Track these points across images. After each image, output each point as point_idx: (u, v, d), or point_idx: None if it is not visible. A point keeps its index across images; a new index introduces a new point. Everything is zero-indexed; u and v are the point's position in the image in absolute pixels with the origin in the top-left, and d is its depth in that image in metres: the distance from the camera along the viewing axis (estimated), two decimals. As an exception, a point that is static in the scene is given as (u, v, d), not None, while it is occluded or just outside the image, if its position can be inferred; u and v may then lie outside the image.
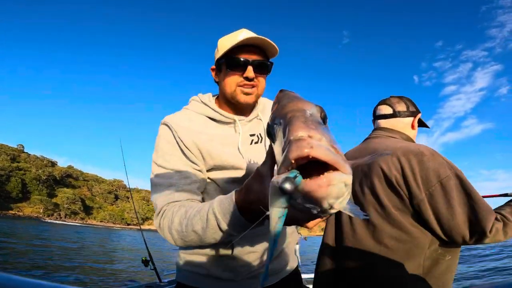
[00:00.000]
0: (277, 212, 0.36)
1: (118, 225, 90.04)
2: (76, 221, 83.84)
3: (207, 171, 0.91)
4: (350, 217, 1.10)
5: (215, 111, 0.94)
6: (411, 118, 1.19)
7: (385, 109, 1.22)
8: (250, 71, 0.88)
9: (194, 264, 0.93)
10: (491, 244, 0.90)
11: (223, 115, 0.94)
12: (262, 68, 0.91)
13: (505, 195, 1.25)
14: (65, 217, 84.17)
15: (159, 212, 0.81)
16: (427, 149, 1.00)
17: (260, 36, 0.87)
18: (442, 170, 0.94)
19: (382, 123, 1.21)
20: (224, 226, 0.66)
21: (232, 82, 0.91)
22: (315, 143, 0.33)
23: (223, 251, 0.90)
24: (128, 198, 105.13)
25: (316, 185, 0.32)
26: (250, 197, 0.58)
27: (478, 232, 0.91)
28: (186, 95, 1.03)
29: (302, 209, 0.37)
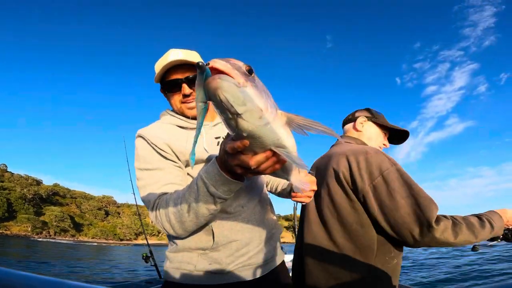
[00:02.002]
0: (200, 105, 0.50)
1: (111, 241, 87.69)
2: (67, 239, 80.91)
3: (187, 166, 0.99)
4: (310, 215, 1.19)
5: (181, 119, 1.03)
6: (352, 123, 1.36)
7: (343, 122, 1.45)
8: (185, 88, 0.97)
9: (180, 261, 0.95)
10: (442, 247, 0.90)
11: (189, 122, 1.02)
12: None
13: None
14: (54, 235, 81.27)
15: (153, 206, 0.88)
16: (371, 149, 1.10)
17: (183, 58, 0.96)
18: (384, 165, 1.03)
19: (343, 131, 1.42)
20: (213, 189, 0.73)
21: (175, 101, 1.02)
22: (217, 61, 0.46)
23: (206, 243, 0.93)
24: (119, 214, 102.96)
25: (211, 78, 0.45)
26: (220, 154, 0.68)
27: (423, 223, 0.93)
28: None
29: (220, 115, 0.51)
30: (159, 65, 1.00)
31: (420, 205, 0.94)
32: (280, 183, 1.23)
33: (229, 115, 0.49)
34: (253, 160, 0.58)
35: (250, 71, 0.50)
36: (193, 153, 0.55)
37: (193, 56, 1.01)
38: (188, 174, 0.99)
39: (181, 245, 0.96)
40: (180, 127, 1.03)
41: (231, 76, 0.45)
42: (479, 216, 1.04)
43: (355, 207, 1.06)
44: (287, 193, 1.16)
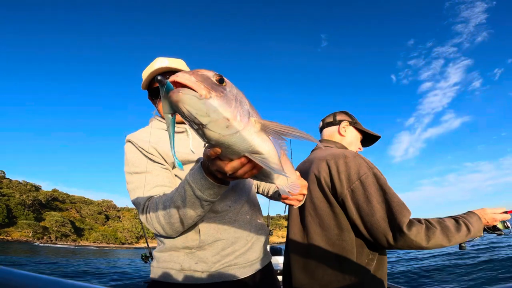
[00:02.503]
0: (168, 117, 0.52)
1: (112, 245, 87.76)
2: (68, 243, 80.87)
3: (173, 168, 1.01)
4: (293, 219, 1.21)
5: None
6: (336, 126, 1.36)
7: (320, 124, 1.44)
8: None
9: (167, 260, 0.97)
10: (415, 250, 0.97)
11: (176, 126, 1.03)
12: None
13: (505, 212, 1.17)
14: (56, 240, 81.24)
15: (143, 208, 0.91)
16: (350, 153, 1.12)
17: (169, 66, 1.01)
18: (362, 169, 1.04)
19: (321, 135, 1.43)
20: (199, 193, 0.76)
21: (162, 107, 1.10)
22: (179, 74, 0.47)
23: (192, 242, 0.95)
24: (119, 217, 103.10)
25: (171, 92, 0.47)
26: (204, 159, 0.69)
27: (395, 228, 0.94)
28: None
29: (191, 126, 0.52)
30: (146, 73, 1.05)
31: (392, 210, 0.96)
32: (271, 186, 1.26)
33: (195, 126, 0.51)
34: (228, 167, 0.60)
35: (220, 81, 0.50)
36: (174, 157, 0.56)
37: (178, 63, 1.06)
38: (176, 175, 1.01)
39: (168, 244, 0.98)
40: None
41: (192, 89, 0.46)
42: (456, 219, 1.03)
43: (335, 211, 1.08)
44: (277, 195, 1.20)
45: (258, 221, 1.11)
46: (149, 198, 0.92)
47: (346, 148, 1.32)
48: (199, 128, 0.51)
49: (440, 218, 1.04)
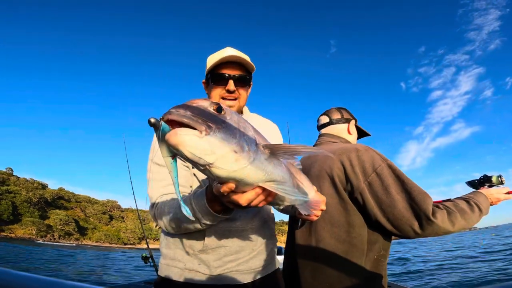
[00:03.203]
0: (168, 160, 0.48)
1: (114, 245, 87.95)
2: (71, 242, 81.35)
3: (192, 167, 1.01)
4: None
5: None
6: (346, 124, 1.37)
7: (324, 119, 1.41)
8: (231, 84, 1.01)
9: (172, 258, 0.99)
10: (441, 235, 0.98)
11: None
12: (242, 82, 1.03)
13: (449, 200, 1.22)
14: (59, 238, 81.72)
15: (154, 204, 0.94)
16: (361, 146, 1.11)
17: (239, 55, 1.00)
18: (376, 161, 1.03)
19: (323, 130, 1.40)
20: (199, 216, 0.78)
21: (216, 94, 1.04)
22: (173, 111, 0.43)
23: (196, 244, 0.96)
24: (123, 218, 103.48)
25: (168, 134, 0.42)
26: (209, 189, 0.70)
27: (421, 217, 0.94)
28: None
29: (195, 167, 0.48)
30: (215, 58, 1.02)
31: (415, 199, 0.95)
32: None
33: (201, 167, 0.47)
34: (243, 199, 0.57)
35: (219, 109, 0.48)
36: (181, 202, 0.53)
37: (245, 56, 1.04)
38: (194, 174, 1.00)
39: (173, 242, 1.00)
40: None
41: (190, 126, 0.43)
42: (467, 200, 1.04)
43: (346, 208, 1.06)
44: (290, 208, 1.13)
45: (268, 231, 1.09)
46: (162, 196, 0.94)
47: (350, 143, 1.32)
48: (206, 169, 0.47)
49: (451, 200, 1.05)
